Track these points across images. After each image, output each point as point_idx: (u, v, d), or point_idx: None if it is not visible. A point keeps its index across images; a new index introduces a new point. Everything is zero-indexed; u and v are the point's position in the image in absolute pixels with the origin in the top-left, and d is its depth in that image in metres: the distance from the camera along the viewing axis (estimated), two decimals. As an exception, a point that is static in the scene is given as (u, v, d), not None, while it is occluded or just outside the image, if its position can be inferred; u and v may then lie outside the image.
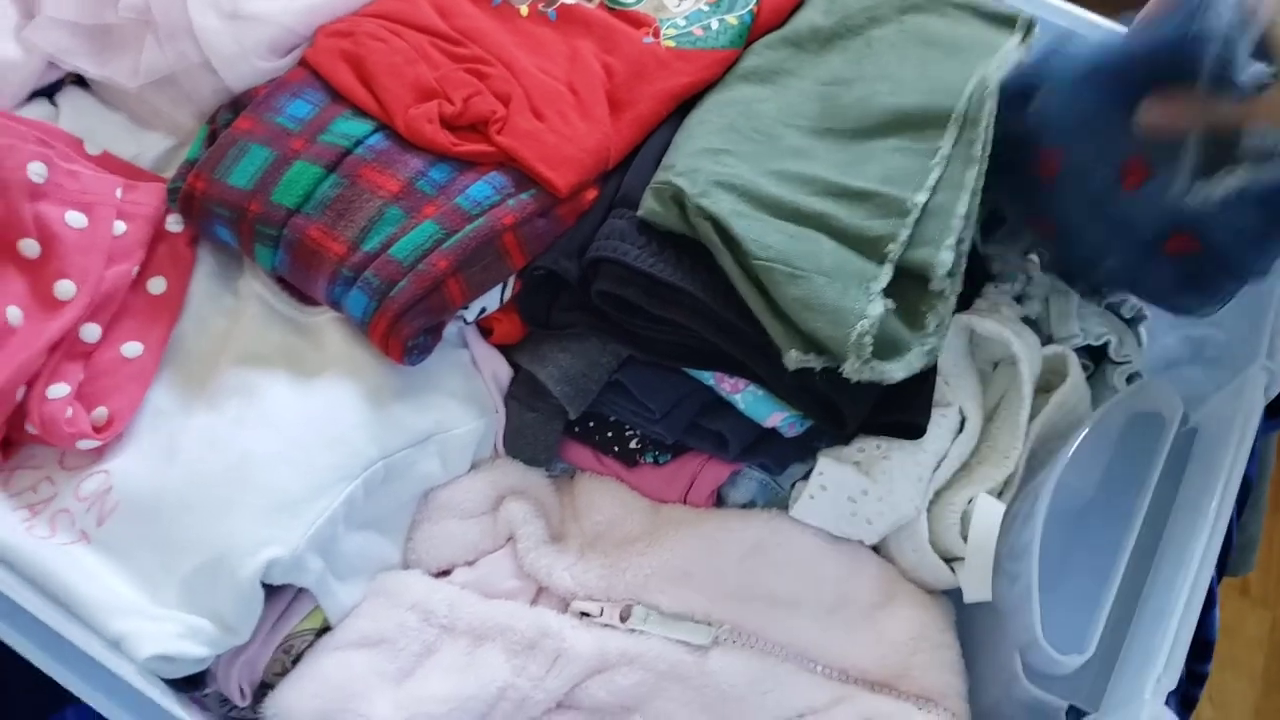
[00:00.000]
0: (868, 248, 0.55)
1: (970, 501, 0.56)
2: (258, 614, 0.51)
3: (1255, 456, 0.72)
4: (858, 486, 0.54)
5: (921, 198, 0.56)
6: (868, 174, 0.58)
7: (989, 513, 0.54)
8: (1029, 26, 0.66)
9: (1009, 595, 0.54)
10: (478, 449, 0.62)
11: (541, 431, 0.60)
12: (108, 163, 0.64)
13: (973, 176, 0.58)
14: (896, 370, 0.51)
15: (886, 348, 0.52)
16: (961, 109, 0.60)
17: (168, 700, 0.45)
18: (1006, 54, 0.64)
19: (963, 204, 0.57)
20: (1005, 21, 0.66)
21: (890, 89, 0.63)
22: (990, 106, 0.60)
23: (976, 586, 0.53)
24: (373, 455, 0.56)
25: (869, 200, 0.57)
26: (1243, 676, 1.37)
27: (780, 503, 0.60)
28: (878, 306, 0.52)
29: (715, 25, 0.67)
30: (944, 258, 0.54)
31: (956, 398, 0.59)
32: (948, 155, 0.58)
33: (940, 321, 0.54)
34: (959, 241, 0.56)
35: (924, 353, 0.53)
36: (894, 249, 0.54)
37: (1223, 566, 0.76)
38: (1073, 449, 0.56)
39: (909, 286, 0.55)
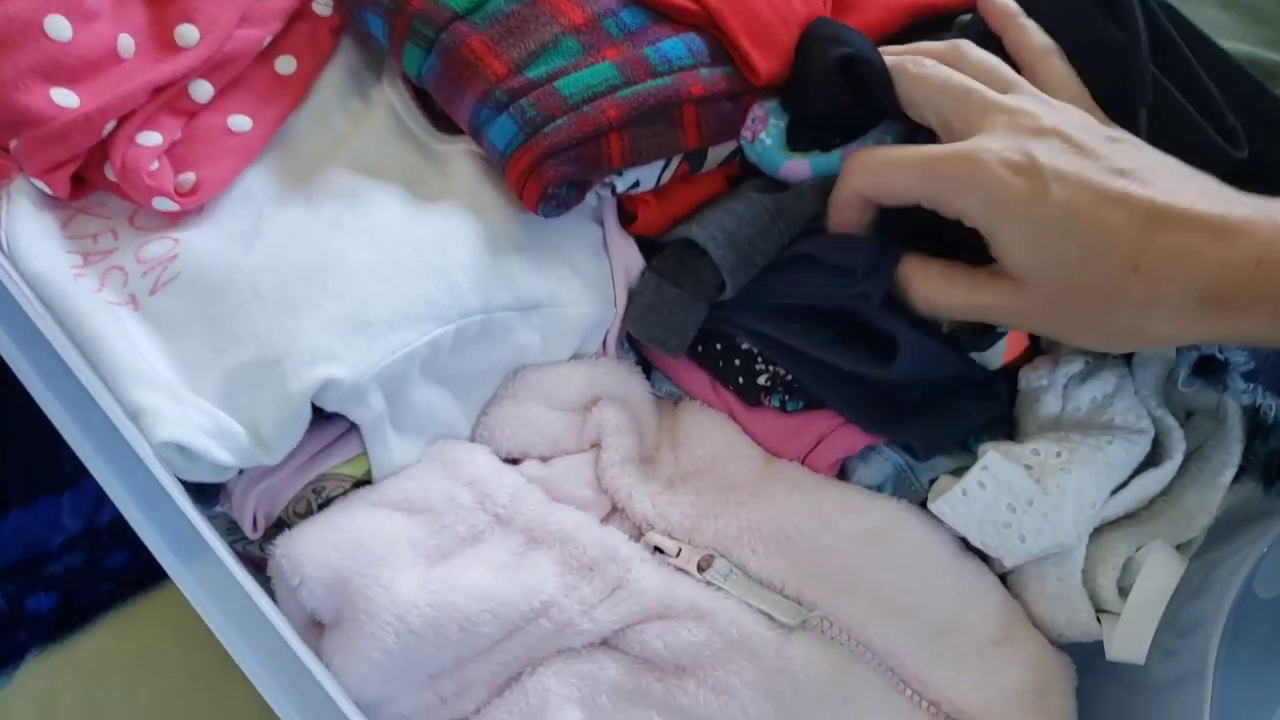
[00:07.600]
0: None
1: (1139, 549, 0.47)
2: (298, 436, 0.44)
3: None
4: (1024, 494, 0.45)
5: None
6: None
7: (1168, 567, 0.45)
8: None
9: (1160, 671, 0.45)
10: (584, 340, 0.54)
11: (680, 312, 0.51)
12: (269, -82, 0.58)
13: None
14: None
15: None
16: None
17: (180, 495, 0.37)
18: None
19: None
20: None
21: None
22: None
23: (1130, 645, 0.44)
24: (473, 305, 0.48)
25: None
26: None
27: (910, 497, 0.51)
28: None
29: (971, -50, 0.58)
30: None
31: (1153, 428, 0.49)
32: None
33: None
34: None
35: None
36: None
37: None
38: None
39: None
